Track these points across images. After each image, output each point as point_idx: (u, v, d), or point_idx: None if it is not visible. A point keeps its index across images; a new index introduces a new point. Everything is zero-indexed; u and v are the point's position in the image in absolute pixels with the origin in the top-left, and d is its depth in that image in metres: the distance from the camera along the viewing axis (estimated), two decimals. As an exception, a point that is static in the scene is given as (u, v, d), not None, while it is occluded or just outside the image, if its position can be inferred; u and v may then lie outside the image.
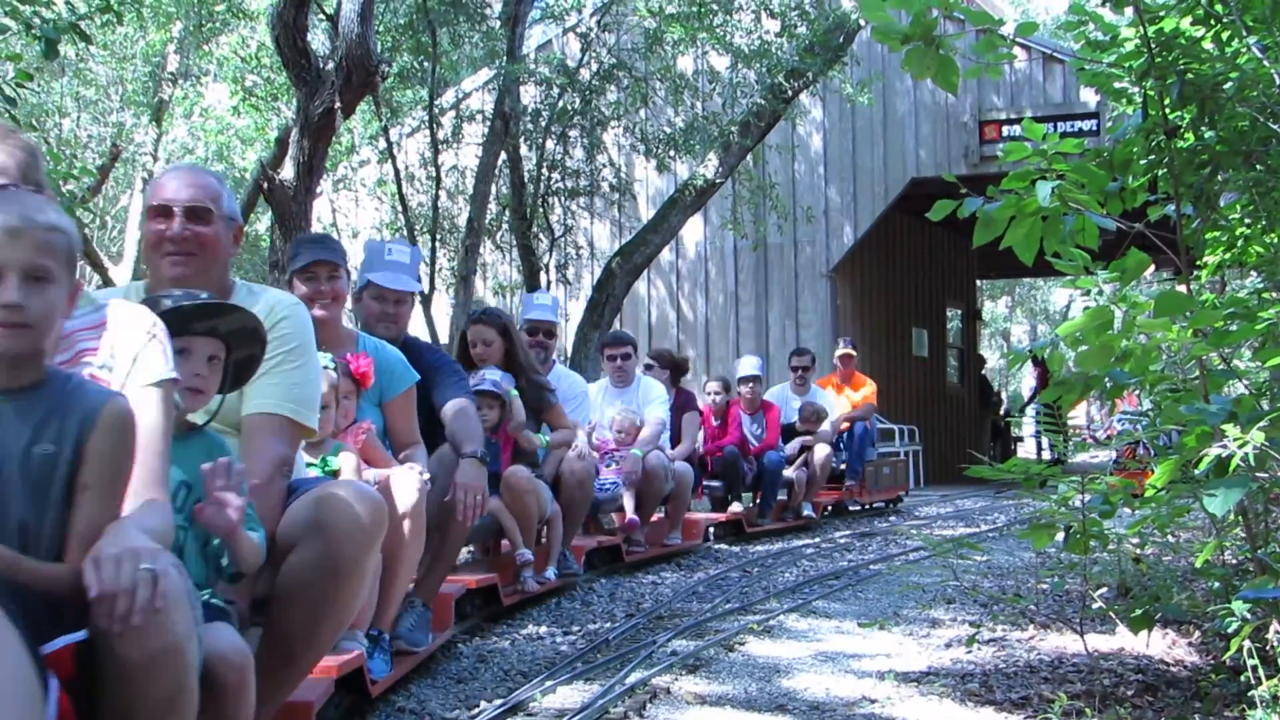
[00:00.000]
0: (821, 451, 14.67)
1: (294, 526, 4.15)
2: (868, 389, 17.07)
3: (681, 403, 13.07)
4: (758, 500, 14.15)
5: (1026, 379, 32.27)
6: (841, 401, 16.52)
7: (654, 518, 11.79)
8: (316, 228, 17.86)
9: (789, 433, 14.86)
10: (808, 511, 14.65)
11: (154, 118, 24.33)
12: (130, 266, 22.10)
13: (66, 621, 2.88)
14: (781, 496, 14.53)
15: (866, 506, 16.72)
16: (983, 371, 29.50)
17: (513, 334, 9.01)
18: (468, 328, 9.02)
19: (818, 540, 13.35)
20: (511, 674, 6.72)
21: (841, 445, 15.83)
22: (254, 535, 3.82)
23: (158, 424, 3.43)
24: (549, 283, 17.72)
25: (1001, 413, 29.27)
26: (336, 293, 6.32)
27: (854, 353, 17.20)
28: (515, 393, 8.66)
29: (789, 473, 14.35)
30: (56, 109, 23.20)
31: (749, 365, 14.81)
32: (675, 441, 12.49)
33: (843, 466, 15.87)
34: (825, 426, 15.10)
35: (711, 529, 12.99)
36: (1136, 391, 5.40)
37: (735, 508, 13.50)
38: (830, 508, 15.93)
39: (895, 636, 7.73)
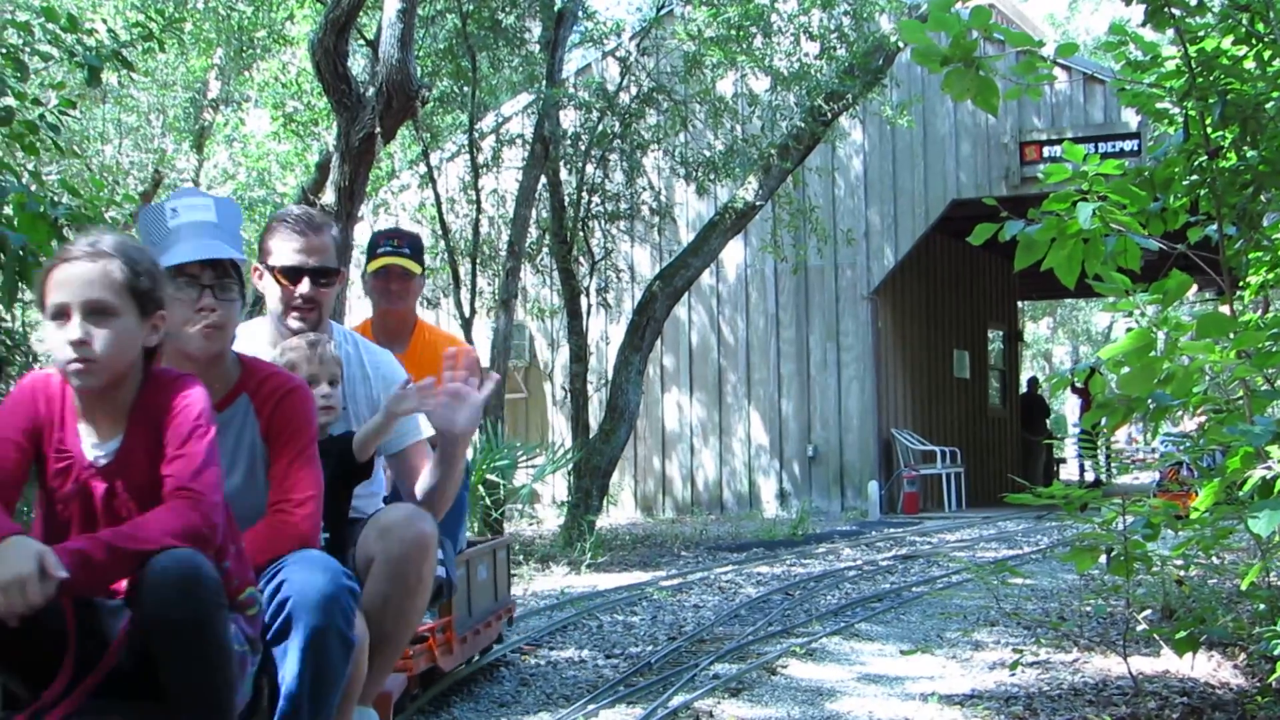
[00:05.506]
0: None
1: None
2: None
3: None
4: None
5: (1070, 401, 32.08)
6: None
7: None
8: (356, 253, 17.94)
9: None
10: None
11: (195, 144, 24.49)
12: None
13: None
14: None
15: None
16: (1038, 392, 29.24)
17: None
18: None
19: (860, 562, 13.31)
20: (554, 697, 6.73)
21: None
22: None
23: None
24: (589, 306, 17.73)
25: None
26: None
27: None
28: None
29: None
30: (99, 135, 23.34)
31: None
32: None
33: None
34: None
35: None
36: (1183, 414, 5.38)
37: None
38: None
39: (938, 659, 7.71)
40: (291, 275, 4.84)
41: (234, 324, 4.11)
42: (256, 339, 4.88)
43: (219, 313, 4.03)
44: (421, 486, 4.79)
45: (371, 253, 6.79)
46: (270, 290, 4.93)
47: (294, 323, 4.84)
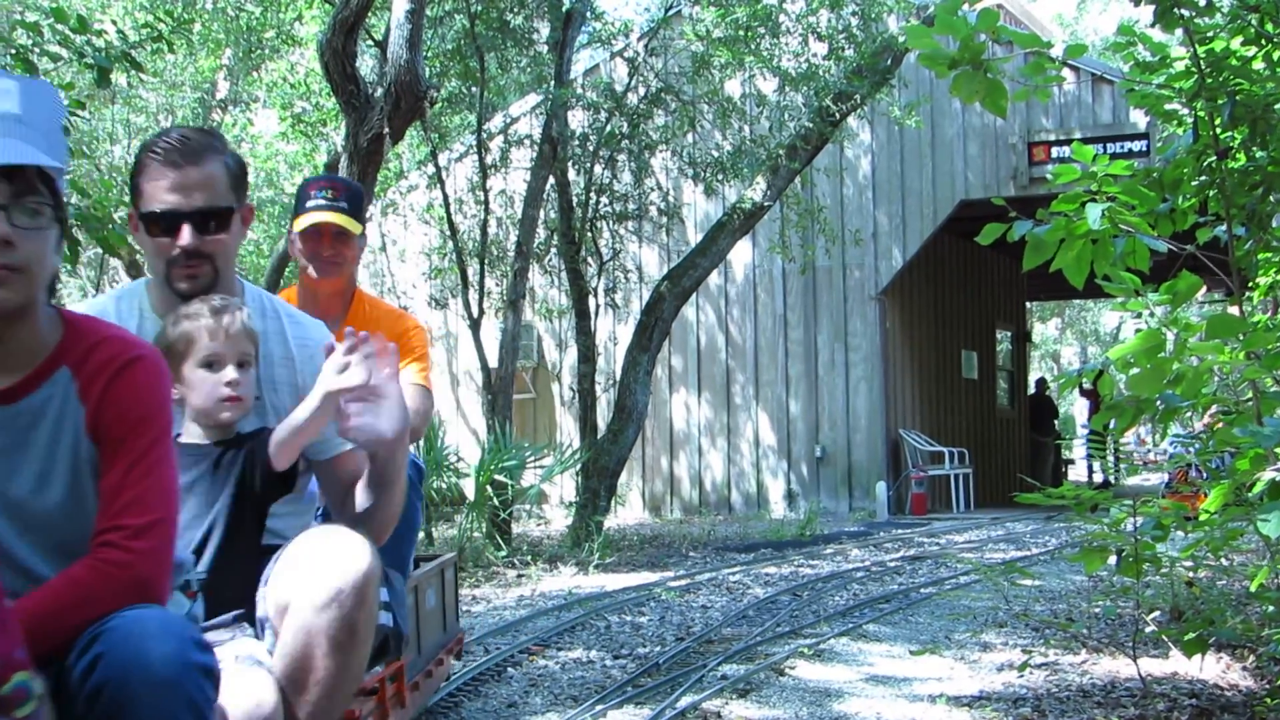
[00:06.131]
0: None
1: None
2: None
3: None
4: None
5: (1080, 401, 32.01)
6: None
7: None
8: (366, 254, 17.94)
9: None
10: None
11: (205, 144, 24.48)
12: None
13: None
14: None
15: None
16: (1046, 392, 29.21)
17: None
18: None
19: (868, 563, 13.30)
20: (562, 698, 6.73)
21: None
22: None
23: None
24: (598, 306, 17.73)
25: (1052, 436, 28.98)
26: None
27: None
28: None
29: None
30: (108, 136, 23.38)
31: None
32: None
33: None
34: None
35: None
36: (1192, 415, 5.37)
37: None
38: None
39: (946, 660, 7.70)
40: (166, 223, 3.61)
41: (45, 263, 2.87)
42: (136, 309, 3.82)
43: (16, 247, 2.80)
44: (359, 506, 3.65)
45: (299, 206, 5.38)
46: (146, 245, 3.72)
47: (183, 284, 3.65)
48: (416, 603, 5.30)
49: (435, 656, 5.57)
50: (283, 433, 3.52)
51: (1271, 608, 6.12)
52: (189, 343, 3.55)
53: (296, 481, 3.63)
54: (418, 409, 5.20)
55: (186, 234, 3.59)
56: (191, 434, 3.59)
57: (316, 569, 3.18)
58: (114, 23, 10.30)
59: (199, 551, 3.45)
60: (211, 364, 3.54)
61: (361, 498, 3.63)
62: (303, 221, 5.30)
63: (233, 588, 3.43)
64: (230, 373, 3.55)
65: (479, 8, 16.41)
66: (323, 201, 5.30)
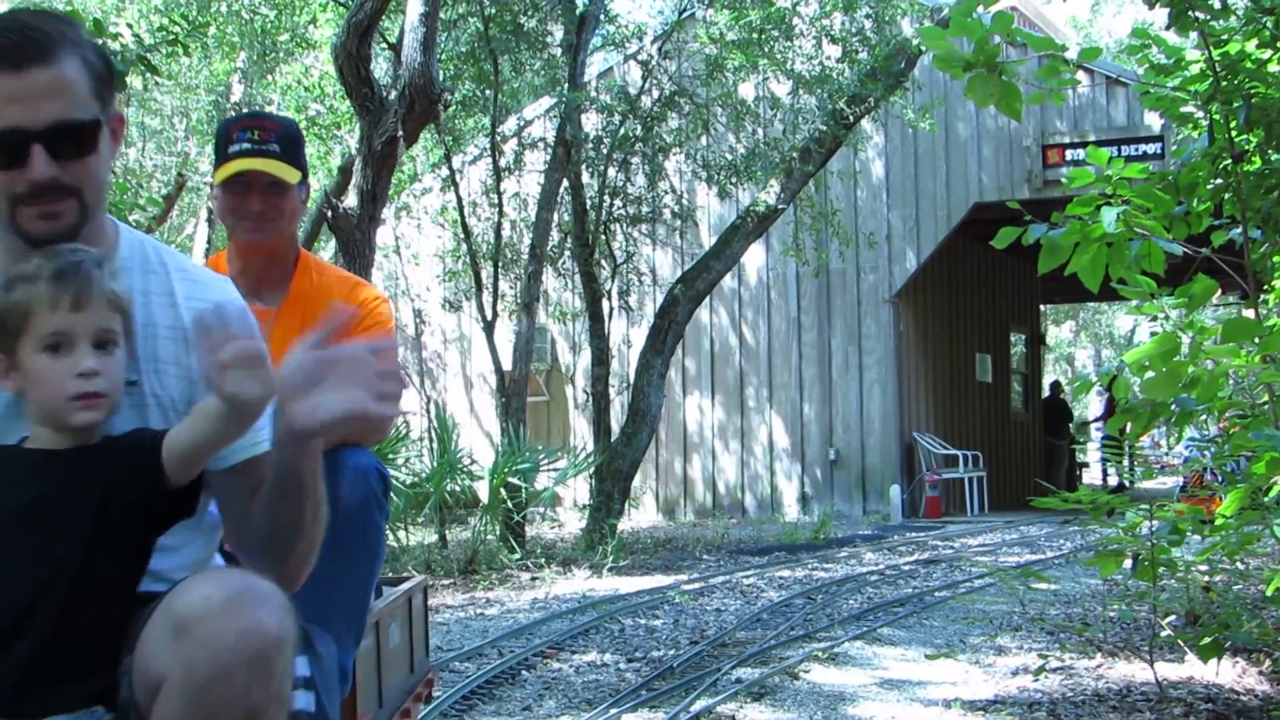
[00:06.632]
0: None
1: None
2: None
3: None
4: None
5: (1093, 404, 31.97)
6: None
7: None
8: (379, 256, 18.01)
9: None
10: None
11: (219, 147, 24.55)
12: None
13: None
14: None
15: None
16: (1061, 396, 29.13)
17: None
18: None
19: (882, 567, 13.29)
20: (576, 701, 6.73)
21: None
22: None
23: None
24: (611, 309, 17.72)
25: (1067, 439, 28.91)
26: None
27: None
28: None
29: None
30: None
31: None
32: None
33: None
34: None
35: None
36: (1207, 418, 5.36)
37: None
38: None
39: (961, 664, 7.69)
40: (8, 147, 2.58)
41: None
42: None
43: None
44: (257, 531, 2.68)
45: (220, 154, 4.27)
46: None
47: (37, 227, 2.62)
48: (378, 640, 4.23)
49: (400, 706, 4.42)
50: (182, 437, 2.51)
51: (1287, 612, 6.10)
52: (24, 317, 2.49)
53: (195, 503, 2.60)
54: None
55: (39, 161, 2.56)
56: (40, 438, 2.54)
57: (203, 632, 2.25)
58: (129, 26, 10.32)
59: (38, 602, 2.42)
60: (57, 346, 2.48)
61: (260, 518, 2.65)
62: (224, 171, 4.19)
63: (87, 654, 2.45)
64: (84, 359, 2.48)
65: (493, 11, 16.42)
66: (248, 146, 4.19)
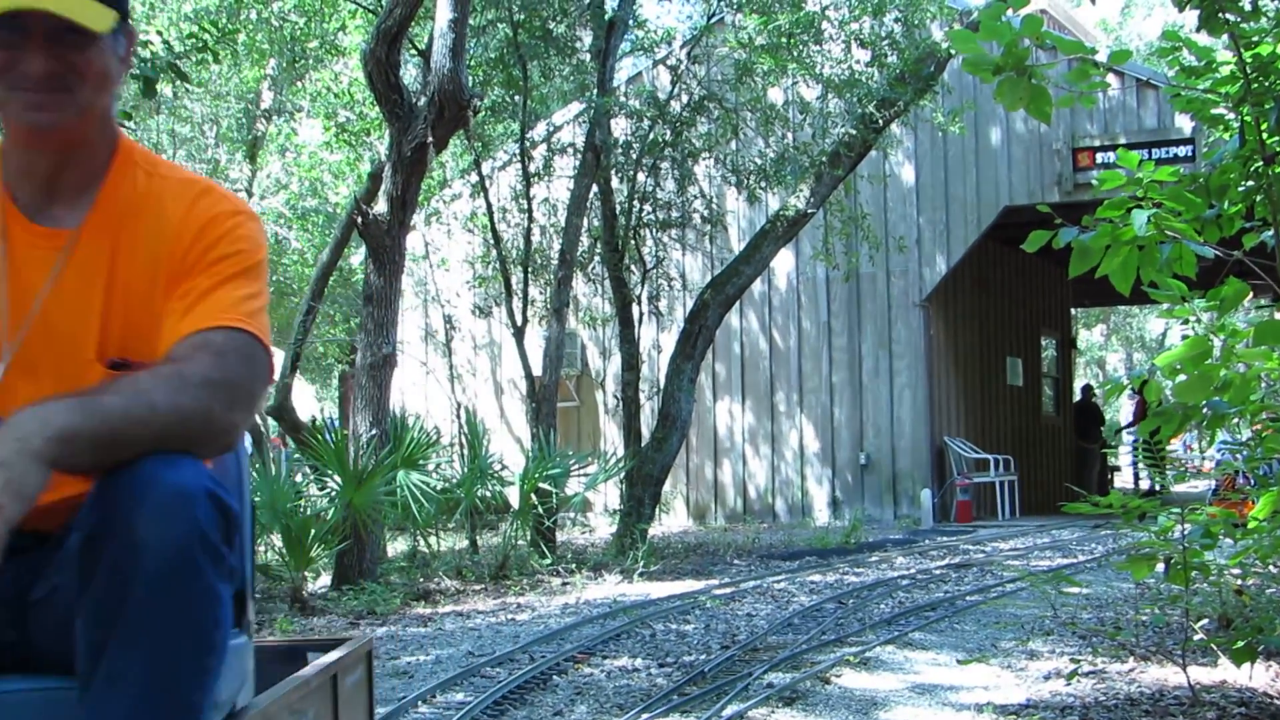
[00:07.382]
0: None
1: None
2: None
3: None
4: None
5: (1125, 408, 31.80)
6: None
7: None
8: (409, 262, 18.04)
9: None
10: None
11: (248, 154, 24.71)
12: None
13: None
14: None
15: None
16: (1092, 399, 28.99)
17: None
18: None
19: (913, 571, 13.26)
20: (608, 706, 6.73)
21: None
22: None
23: None
24: (641, 314, 17.74)
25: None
26: None
27: None
28: None
29: None
30: (154, 146, 23.55)
31: None
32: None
33: None
34: None
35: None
36: (1239, 421, 5.34)
37: None
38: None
39: (993, 669, 7.67)
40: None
41: None
42: None
43: None
44: None
45: None
46: None
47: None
48: None
49: None
50: None
51: (1321, 616, 6.07)
52: None
53: None
54: (211, 378, 2.33)
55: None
56: None
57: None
58: (159, 33, 10.39)
59: None
60: None
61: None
62: None
63: None
64: None
65: (522, 16, 16.46)
66: None
